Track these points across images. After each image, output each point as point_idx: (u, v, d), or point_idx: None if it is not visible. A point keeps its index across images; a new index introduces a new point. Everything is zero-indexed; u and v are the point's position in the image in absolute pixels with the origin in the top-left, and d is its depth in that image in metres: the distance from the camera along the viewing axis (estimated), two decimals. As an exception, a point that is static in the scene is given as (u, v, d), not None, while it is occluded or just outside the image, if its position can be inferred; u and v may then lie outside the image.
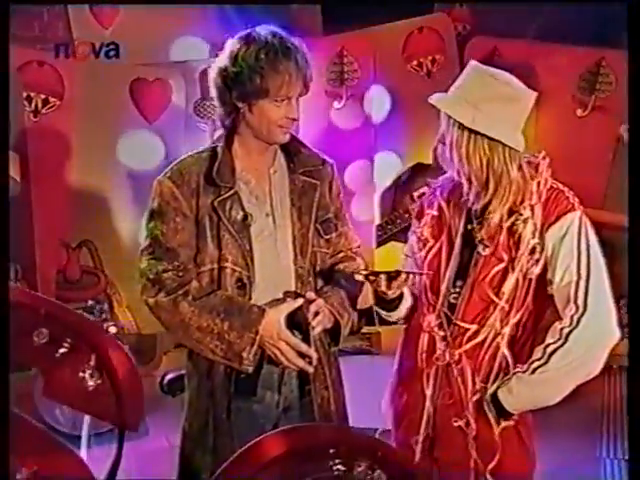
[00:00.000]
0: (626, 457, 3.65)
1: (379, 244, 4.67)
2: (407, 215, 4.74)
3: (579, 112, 4.70)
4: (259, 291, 2.11)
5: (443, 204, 2.16)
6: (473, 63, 2.12)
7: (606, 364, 2.00)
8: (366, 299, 2.26)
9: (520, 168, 2.03)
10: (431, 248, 2.15)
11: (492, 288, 2.03)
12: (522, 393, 2.00)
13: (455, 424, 2.05)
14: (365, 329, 4.44)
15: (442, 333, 2.08)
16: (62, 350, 1.34)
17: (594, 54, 4.71)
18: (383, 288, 2.05)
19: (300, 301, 2.07)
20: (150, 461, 3.33)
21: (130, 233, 4.32)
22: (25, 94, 4.21)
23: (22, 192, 4.21)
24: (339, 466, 1.41)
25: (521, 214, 2.03)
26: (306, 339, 2.08)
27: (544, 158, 2.09)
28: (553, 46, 4.71)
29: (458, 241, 2.11)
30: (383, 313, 2.20)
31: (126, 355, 1.57)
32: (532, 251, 2.01)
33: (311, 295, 2.09)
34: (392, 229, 4.72)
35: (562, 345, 1.95)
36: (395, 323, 2.26)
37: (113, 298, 4.34)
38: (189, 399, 2.18)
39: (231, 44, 2.09)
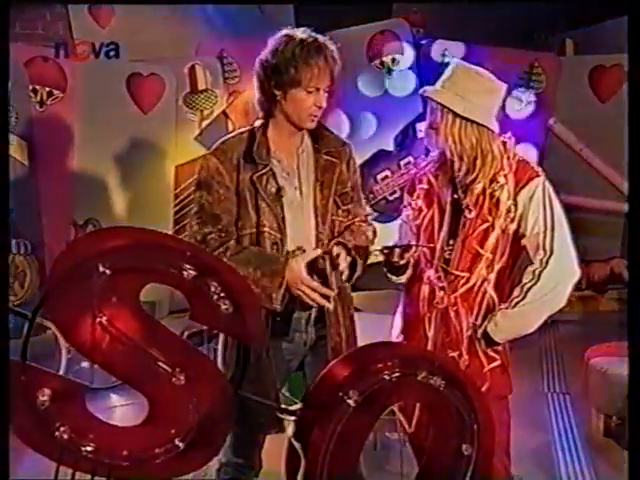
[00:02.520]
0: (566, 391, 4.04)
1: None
2: (371, 195, 5.04)
3: (516, 106, 5.06)
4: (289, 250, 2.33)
5: (432, 178, 2.42)
6: (457, 61, 2.40)
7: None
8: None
9: (499, 147, 2.32)
10: (425, 216, 2.43)
11: (478, 243, 2.31)
12: (505, 325, 2.29)
13: (450, 355, 2.31)
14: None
15: (440, 284, 2.36)
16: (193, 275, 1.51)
17: (529, 56, 5.08)
18: (396, 259, 2.34)
19: (318, 251, 2.27)
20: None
21: (127, 210, 4.48)
22: (31, 87, 4.30)
23: (30, 175, 4.31)
24: (398, 374, 1.64)
25: (498, 182, 2.31)
26: (325, 283, 2.27)
27: (510, 138, 2.37)
28: (494, 48, 5.05)
29: (448, 208, 2.37)
30: (393, 278, 2.47)
31: (242, 278, 1.74)
32: (508, 210, 2.30)
33: (333, 246, 2.30)
34: (358, 207, 4.99)
35: (535, 283, 2.25)
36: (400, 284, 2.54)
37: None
38: (232, 341, 2.39)
39: (273, 40, 2.26)
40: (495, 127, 2.32)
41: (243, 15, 4.82)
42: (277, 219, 2.30)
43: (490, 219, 2.31)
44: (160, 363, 1.53)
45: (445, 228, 2.37)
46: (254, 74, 2.31)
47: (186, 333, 3.37)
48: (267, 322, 2.32)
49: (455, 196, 2.37)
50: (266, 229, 2.30)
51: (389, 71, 4.93)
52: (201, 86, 4.70)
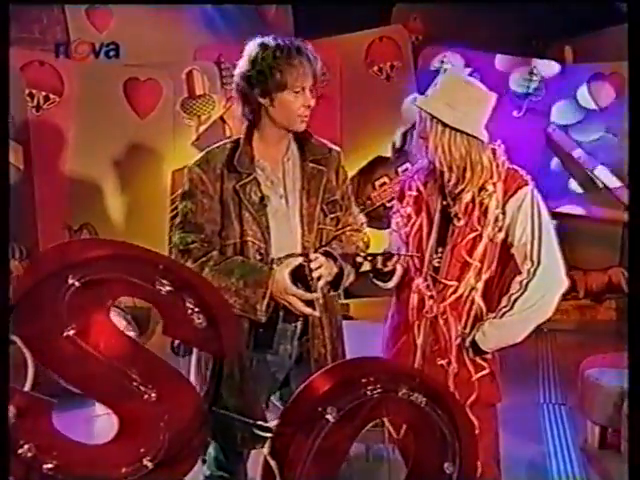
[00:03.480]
0: (562, 402, 3.97)
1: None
2: (369, 202, 4.98)
3: (515, 113, 5.00)
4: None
5: (421, 186, 2.37)
6: (449, 71, 2.35)
7: (537, 327, 2.27)
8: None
9: (488, 156, 2.27)
10: (414, 223, 2.37)
11: (467, 251, 2.27)
12: (493, 334, 2.25)
13: (439, 363, 2.26)
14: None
15: (429, 293, 2.30)
16: (167, 289, 1.46)
17: (527, 63, 5.01)
18: (380, 266, 2.28)
19: (300, 259, 2.21)
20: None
21: (124, 215, 4.43)
22: (27, 91, 4.26)
23: (25, 180, 4.26)
24: (380, 390, 1.59)
25: (487, 190, 2.26)
26: (310, 290, 2.21)
27: (499, 145, 2.32)
28: (493, 55, 4.99)
29: (437, 216, 2.32)
30: (380, 284, 2.42)
31: (218, 292, 1.70)
32: (496, 219, 2.26)
33: (313, 255, 2.24)
34: (355, 214, 4.94)
35: (522, 293, 2.21)
36: (389, 290, 2.48)
37: (110, 275, 4.40)
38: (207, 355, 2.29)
39: (247, 51, 2.23)
40: (484, 136, 2.26)
41: (242, 21, 4.76)
42: (261, 228, 2.25)
43: (479, 228, 2.26)
44: (131, 379, 1.47)
45: (434, 236, 2.32)
46: (234, 88, 2.27)
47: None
48: (251, 334, 2.27)
49: (444, 203, 2.32)
50: (249, 239, 2.24)
51: (387, 78, 4.88)
52: (199, 91, 4.64)
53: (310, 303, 2.21)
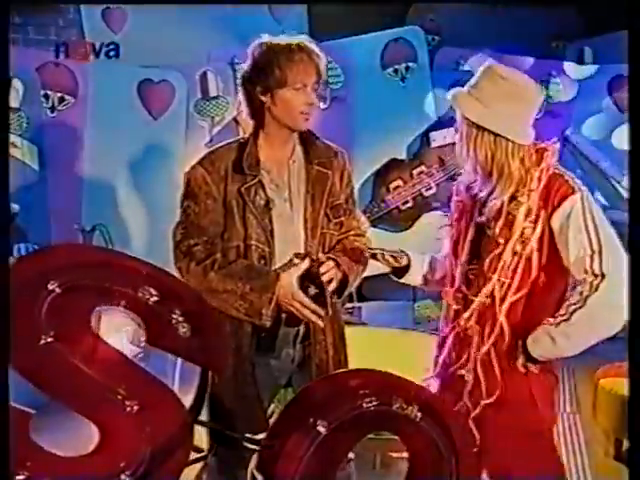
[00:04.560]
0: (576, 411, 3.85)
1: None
2: (383, 204, 4.88)
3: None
4: (278, 264, 2.21)
5: (464, 191, 2.24)
6: (487, 63, 2.17)
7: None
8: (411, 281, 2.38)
9: (522, 160, 2.06)
10: (455, 230, 2.25)
11: (490, 266, 2.10)
12: (545, 342, 2.07)
13: (459, 373, 2.16)
14: (348, 304, 4.57)
15: (455, 306, 2.19)
16: (153, 299, 1.41)
17: (546, 65, 4.88)
18: (382, 262, 2.21)
19: (307, 263, 2.17)
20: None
21: (137, 217, 4.39)
22: (43, 92, 4.23)
23: (40, 180, 4.25)
24: (374, 403, 1.52)
25: (519, 200, 2.06)
26: (321, 293, 2.18)
27: (551, 144, 2.12)
28: (509, 57, 4.87)
29: (472, 225, 2.18)
30: (395, 278, 2.35)
31: (204, 300, 1.65)
32: (522, 233, 2.06)
33: (322, 256, 2.21)
34: (369, 217, 4.85)
35: (581, 307, 2.01)
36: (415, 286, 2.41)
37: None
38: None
39: (251, 51, 2.21)
40: (522, 137, 2.07)
41: (256, 22, 4.70)
42: (265, 232, 2.19)
43: (501, 241, 2.09)
44: (112, 390, 1.41)
45: (467, 246, 2.19)
46: (239, 89, 2.24)
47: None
48: (253, 337, 2.22)
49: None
50: (253, 242, 2.19)
51: (403, 79, 4.79)
52: (212, 93, 4.58)
53: (316, 312, 2.15)
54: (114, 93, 4.33)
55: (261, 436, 1.64)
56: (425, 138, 4.77)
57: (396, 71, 4.78)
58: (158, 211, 4.49)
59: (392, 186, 4.88)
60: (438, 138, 4.72)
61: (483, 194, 2.15)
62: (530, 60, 4.83)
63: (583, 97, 4.87)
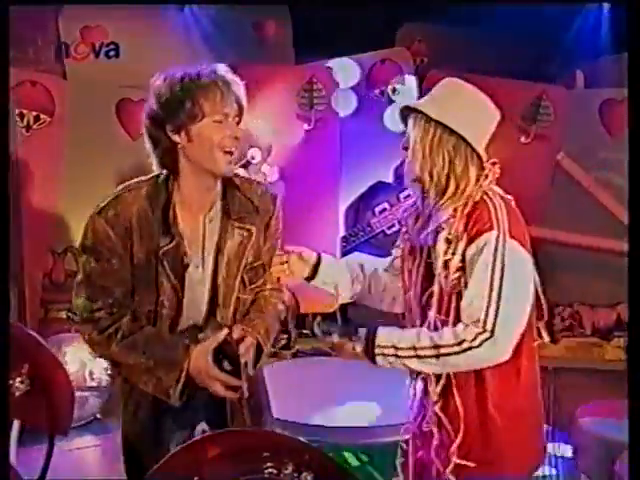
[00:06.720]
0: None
1: (343, 254, 4.59)
2: (369, 228, 4.68)
3: (522, 139, 4.68)
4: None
5: (409, 218, 1.98)
6: (448, 78, 1.95)
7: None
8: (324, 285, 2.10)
9: (478, 175, 1.83)
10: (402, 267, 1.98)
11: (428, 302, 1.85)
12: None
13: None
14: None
15: None
16: None
17: (536, 88, 4.70)
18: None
19: (223, 334, 1.84)
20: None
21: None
22: (18, 111, 4.07)
23: (13, 201, 4.06)
24: (271, 469, 1.30)
25: (451, 217, 1.80)
26: (236, 366, 1.84)
27: (493, 164, 1.87)
28: (499, 80, 4.69)
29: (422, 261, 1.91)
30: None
31: (59, 364, 1.46)
32: (445, 264, 1.80)
33: (237, 329, 1.88)
34: (355, 241, 4.66)
35: (457, 353, 1.75)
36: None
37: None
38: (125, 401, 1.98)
39: (152, 88, 1.85)
40: (479, 147, 1.83)
41: (240, 41, 4.55)
42: (178, 298, 1.88)
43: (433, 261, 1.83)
44: None
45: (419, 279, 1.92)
46: (143, 130, 1.89)
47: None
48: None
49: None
50: (165, 310, 1.88)
51: (390, 101, 4.61)
52: (193, 113, 4.43)
53: (232, 383, 1.84)
54: (92, 112, 4.17)
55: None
56: (411, 161, 4.58)
57: (382, 92, 4.61)
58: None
59: (378, 209, 4.68)
60: (425, 161, 4.54)
61: (432, 204, 1.87)
62: (520, 82, 4.67)
63: (574, 120, 4.69)
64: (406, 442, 2.02)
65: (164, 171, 1.89)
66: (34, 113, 4.09)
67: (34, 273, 4.03)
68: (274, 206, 2.00)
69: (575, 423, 3.12)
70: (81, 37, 4.30)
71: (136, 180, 1.93)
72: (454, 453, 1.85)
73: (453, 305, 1.81)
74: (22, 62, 4.21)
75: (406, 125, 1.92)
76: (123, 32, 4.32)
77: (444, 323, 1.82)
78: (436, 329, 1.82)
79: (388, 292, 2.10)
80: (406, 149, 1.90)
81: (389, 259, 2.11)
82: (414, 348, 1.80)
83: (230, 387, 1.83)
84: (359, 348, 1.87)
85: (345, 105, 4.58)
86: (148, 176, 1.93)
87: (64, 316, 3.89)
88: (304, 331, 4.34)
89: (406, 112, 1.91)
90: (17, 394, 1.29)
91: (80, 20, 4.32)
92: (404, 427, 2.04)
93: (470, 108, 1.86)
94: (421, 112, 1.85)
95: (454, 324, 1.80)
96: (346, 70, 4.57)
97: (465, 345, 1.75)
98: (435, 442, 1.88)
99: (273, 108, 4.42)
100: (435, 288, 1.83)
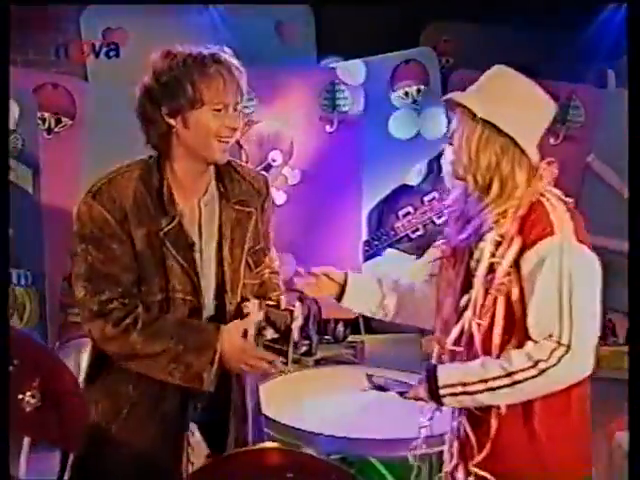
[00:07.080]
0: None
1: (366, 258, 4.50)
2: (392, 232, 4.58)
3: (552, 141, 4.54)
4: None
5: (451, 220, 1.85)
6: (498, 66, 1.79)
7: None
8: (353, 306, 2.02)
9: (528, 177, 1.68)
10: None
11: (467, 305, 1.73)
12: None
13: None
14: (350, 337, 4.26)
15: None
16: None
17: (566, 88, 4.56)
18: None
19: (260, 316, 1.73)
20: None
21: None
22: (39, 114, 4.04)
23: (34, 204, 4.03)
24: None
25: (498, 222, 1.66)
26: (284, 337, 1.72)
27: (549, 164, 1.72)
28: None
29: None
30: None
31: (72, 377, 1.39)
32: (491, 268, 1.66)
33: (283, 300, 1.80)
34: (378, 245, 4.55)
35: (534, 377, 1.61)
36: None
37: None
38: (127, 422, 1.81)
39: (152, 62, 1.75)
40: (530, 149, 1.69)
41: (262, 43, 4.48)
42: (192, 281, 1.78)
43: (475, 273, 1.72)
44: None
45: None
46: (136, 106, 1.79)
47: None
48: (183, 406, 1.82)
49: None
50: (179, 295, 1.77)
51: (414, 102, 4.50)
52: (214, 114, 4.36)
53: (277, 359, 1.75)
54: (112, 115, 4.09)
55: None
56: (437, 163, 4.46)
57: (407, 94, 4.50)
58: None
59: (402, 213, 4.57)
60: (451, 163, 4.42)
61: (475, 206, 1.75)
62: (549, 82, 4.53)
63: (605, 121, 4.54)
64: (439, 456, 1.93)
65: (154, 153, 1.82)
66: (55, 116, 4.06)
67: (55, 277, 3.99)
68: (267, 189, 1.93)
69: (610, 437, 2.98)
70: (103, 38, 4.26)
71: (126, 163, 1.84)
72: (477, 466, 1.75)
73: (494, 310, 1.68)
74: (42, 64, 4.19)
75: (448, 118, 1.80)
76: (145, 33, 4.26)
77: (480, 327, 1.69)
78: (471, 335, 1.70)
79: (424, 307, 1.96)
80: (451, 144, 1.76)
81: (421, 262, 2.00)
82: (484, 381, 1.65)
83: (270, 362, 1.74)
84: (423, 393, 1.75)
85: (368, 106, 4.48)
86: (138, 158, 1.84)
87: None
88: (326, 337, 4.25)
89: (451, 105, 1.76)
90: (28, 409, 1.22)
91: (102, 21, 4.28)
92: (434, 440, 1.94)
93: (522, 103, 1.70)
94: (467, 107, 1.70)
95: (490, 329, 1.68)
96: (370, 71, 4.47)
97: (542, 366, 1.60)
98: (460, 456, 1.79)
99: (295, 110, 4.35)
100: (474, 290, 1.70)
